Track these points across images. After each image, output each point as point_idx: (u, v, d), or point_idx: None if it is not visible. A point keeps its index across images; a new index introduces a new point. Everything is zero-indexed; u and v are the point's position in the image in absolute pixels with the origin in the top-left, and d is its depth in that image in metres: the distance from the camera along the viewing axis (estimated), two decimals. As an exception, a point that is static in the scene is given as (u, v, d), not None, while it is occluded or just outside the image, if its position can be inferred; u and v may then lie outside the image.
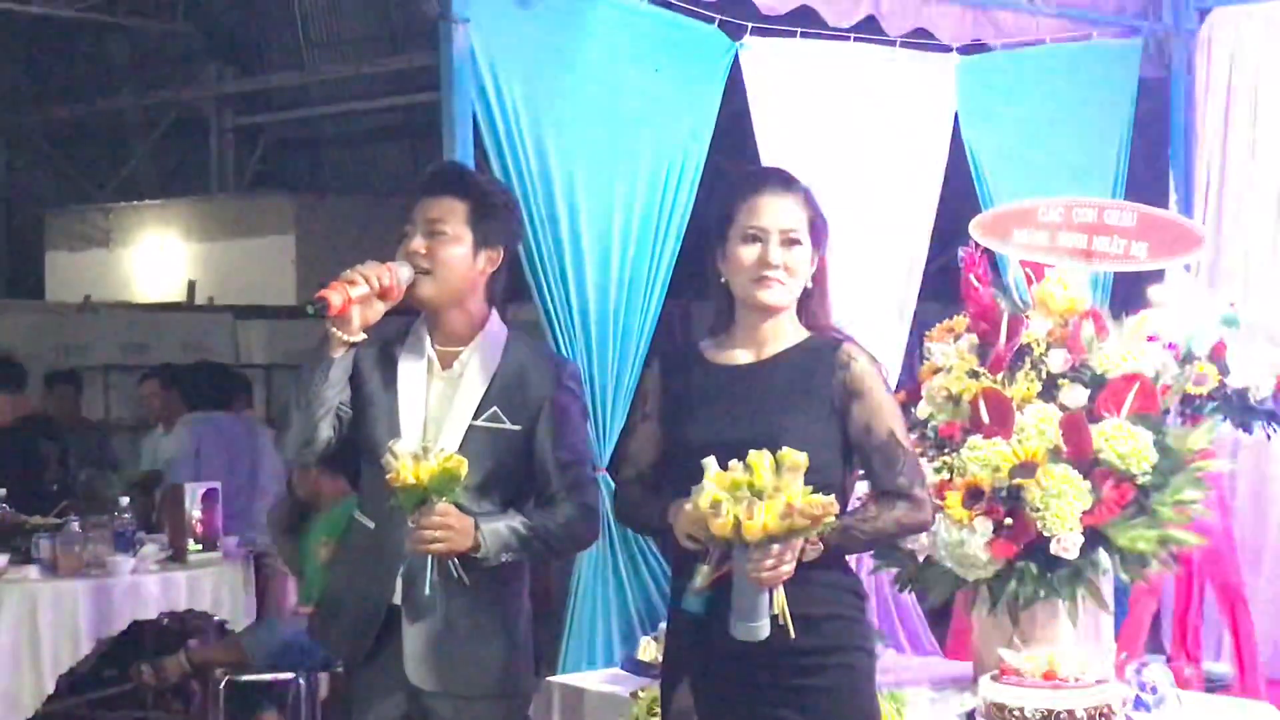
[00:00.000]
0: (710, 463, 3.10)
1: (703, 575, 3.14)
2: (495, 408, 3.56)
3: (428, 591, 3.49)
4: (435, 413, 3.58)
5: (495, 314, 3.67)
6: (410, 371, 3.62)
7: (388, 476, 3.39)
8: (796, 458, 3.05)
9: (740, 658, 3.17)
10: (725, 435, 3.19)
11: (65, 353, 11.60)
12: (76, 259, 16.58)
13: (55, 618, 6.10)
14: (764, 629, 3.11)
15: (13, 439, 7.59)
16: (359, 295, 3.46)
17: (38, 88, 17.36)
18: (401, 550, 3.50)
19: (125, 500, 6.66)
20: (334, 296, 3.44)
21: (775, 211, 3.29)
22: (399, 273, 3.51)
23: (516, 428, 3.57)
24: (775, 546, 3.06)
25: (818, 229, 3.32)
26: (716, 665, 3.25)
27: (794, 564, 3.08)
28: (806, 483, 3.07)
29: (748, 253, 3.28)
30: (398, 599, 3.58)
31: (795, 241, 3.28)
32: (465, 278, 3.59)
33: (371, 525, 3.64)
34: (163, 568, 6.51)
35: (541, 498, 3.61)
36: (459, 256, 3.57)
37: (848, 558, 3.36)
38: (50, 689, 6.14)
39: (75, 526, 6.48)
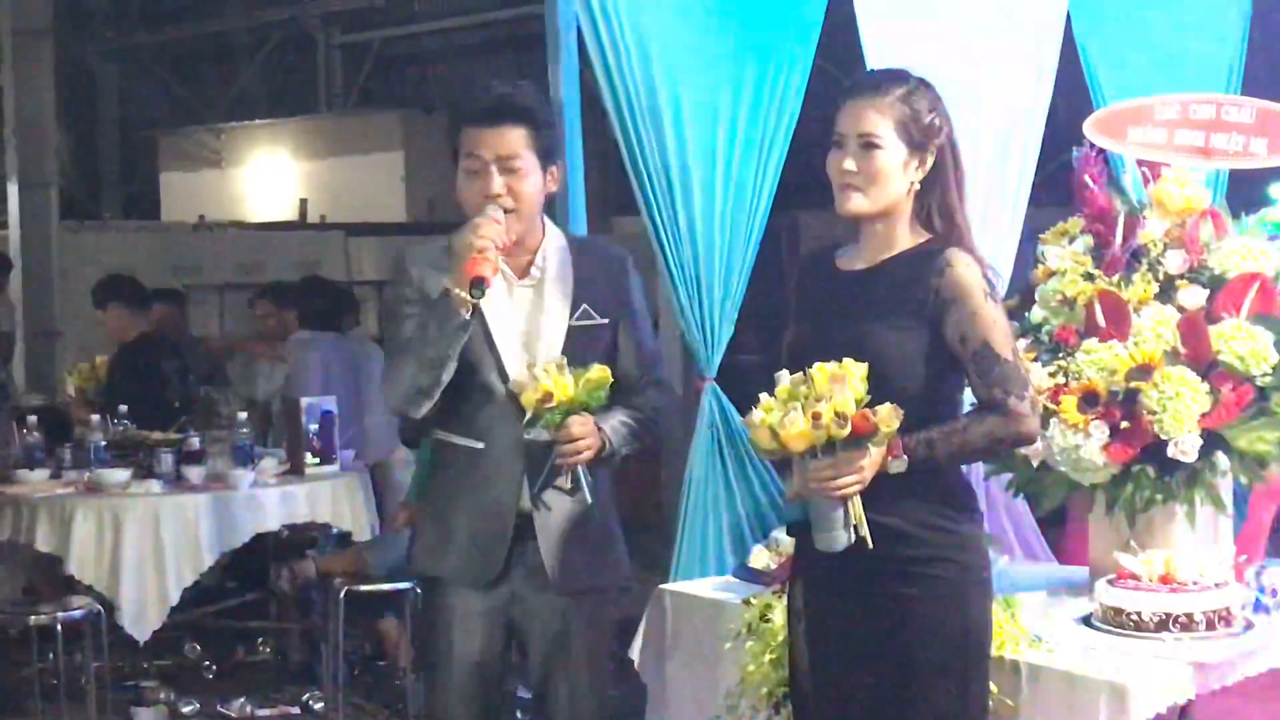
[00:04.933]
0: (781, 375, 3.09)
1: (791, 485, 3.14)
2: (585, 305, 3.60)
3: (589, 499, 3.53)
4: (529, 321, 3.60)
5: (544, 216, 3.69)
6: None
7: (530, 397, 3.43)
8: (850, 367, 3.01)
9: (839, 564, 3.16)
10: (825, 341, 3.16)
11: (180, 272, 11.76)
12: (190, 179, 16.79)
13: (177, 531, 6.23)
14: (839, 539, 3.10)
15: (135, 356, 7.68)
16: (497, 258, 3.47)
17: (148, 9, 17.50)
18: (519, 461, 3.54)
19: (243, 415, 6.76)
20: (485, 271, 3.43)
21: (850, 116, 3.22)
22: (504, 222, 3.52)
23: (605, 321, 3.64)
24: (826, 458, 3.03)
25: (914, 131, 3.20)
26: (820, 570, 3.27)
27: (859, 476, 3.05)
28: (887, 393, 3.03)
29: (831, 160, 3.25)
30: (525, 507, 3.61)
31: (873, 146, 3.19)
32: (539, 203, 3.63)
33: (480, 445, 3.63)
34: (281, 481, 6.62)
35: (627, 387, 3.63)
36: (536, 189, 3.60)
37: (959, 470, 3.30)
38: (175, 600, 6.27)
39: (195, 441, 6.61)
